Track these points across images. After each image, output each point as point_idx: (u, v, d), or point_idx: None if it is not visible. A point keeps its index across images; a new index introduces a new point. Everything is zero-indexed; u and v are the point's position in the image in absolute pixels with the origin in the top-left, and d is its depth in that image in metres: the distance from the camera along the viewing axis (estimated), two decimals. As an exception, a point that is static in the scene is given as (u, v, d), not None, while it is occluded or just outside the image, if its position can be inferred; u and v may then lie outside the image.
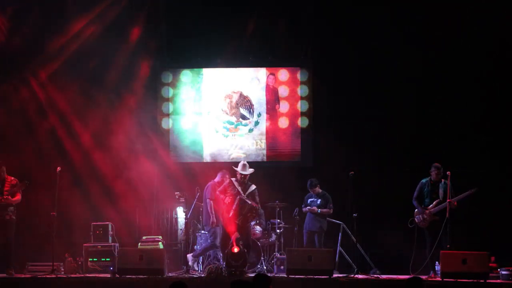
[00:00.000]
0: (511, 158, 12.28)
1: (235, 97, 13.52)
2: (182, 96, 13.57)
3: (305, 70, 13.47)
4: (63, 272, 10.75)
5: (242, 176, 10.67)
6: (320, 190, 11.69)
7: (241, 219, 10.49)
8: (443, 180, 10.41)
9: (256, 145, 13.44)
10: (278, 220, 11.61)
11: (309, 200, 11.71)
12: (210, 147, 13.47)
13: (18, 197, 10.59)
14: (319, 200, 11.61)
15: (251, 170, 10.78)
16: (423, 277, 10.06)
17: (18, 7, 12.35)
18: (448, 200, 10.17)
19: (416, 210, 10.59)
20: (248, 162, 10.98)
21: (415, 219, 10.56)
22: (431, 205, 10.43)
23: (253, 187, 10.76)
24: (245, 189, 10.66)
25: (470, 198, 10.33)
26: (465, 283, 9.44)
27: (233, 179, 10.79)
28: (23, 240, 11.66)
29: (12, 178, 10.66)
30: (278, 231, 11.53)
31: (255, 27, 13.04)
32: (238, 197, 10.52)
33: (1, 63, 12.49)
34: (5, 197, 10.47)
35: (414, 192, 10.72)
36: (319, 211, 11.51)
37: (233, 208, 10.46)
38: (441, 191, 10.38)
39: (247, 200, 10.53)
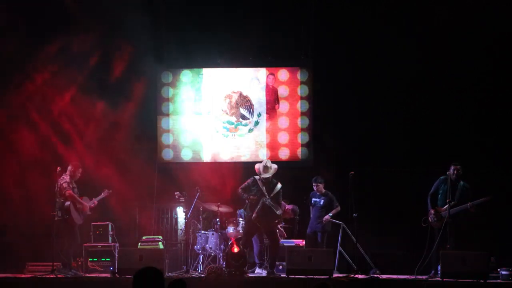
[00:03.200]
0: (511, 158, 12.28)
1: (235, 97, 13.53)
2: (182, 96, 13.57)
3: (305, 70, 13.47)
4: (63, 272, 10.75)
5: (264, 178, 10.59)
6: (324, 190, 11.66)
7: (264, 225, 10.41)
8: (461, 181, 10.31)
9: (256, 145, 13.44)
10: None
11: (313, 200, 11.68)
12: (210, 147, 13.47)
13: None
14: (322, 200, 11.58)
15: (273, 169, 10.61)
16: (424, 277, 10.07)
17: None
18: (448, 201, 10.15)
19: (429, 210, 10.49)
20: (248, 162, 10.93)
21: (429, 218, 10.46)
22: (445, 207, 10.30)
23: (279, 186, 10.60)
24: (269, 189, 10.53)
25: (485, 205, 10.24)
26: (465, 283, 9.43)
27: (256, 177, 10.66)
28: (23, 240, 11.69)
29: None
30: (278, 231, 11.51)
31: (255, 27, 13.03)
32: (262, 200, 10.38)
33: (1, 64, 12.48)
34: (95, 200, 10.97)
35: (431, 188, 10.61)
36: (331, 215, 11.47)
37: (256, 211, 10.33)
38: (457, 194, 10.26)
39: (272, 207, 10.35)
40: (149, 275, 4.64)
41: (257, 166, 10.75)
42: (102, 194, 11.07)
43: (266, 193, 10.44)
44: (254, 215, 10.30)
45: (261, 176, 10.58)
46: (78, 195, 10.77)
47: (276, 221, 10.47)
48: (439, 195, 10.48)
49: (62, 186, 10.60)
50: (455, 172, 10.31)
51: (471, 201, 10.16)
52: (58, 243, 10.57)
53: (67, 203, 10.56)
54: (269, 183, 10.56)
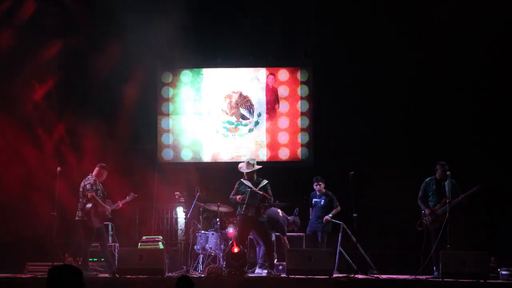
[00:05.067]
0: (511, 158, 12.28)
1: (235, 97, 13.53)
2: (182, 96, 13.58)
3: (305, 70, 13.48)
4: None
5: (245, 174, 10.63)
6: (324, 190, 11.66)
7: (253, 211, 10.30)
8: (448, 179, 10.34)
9: (256, 145, 13.44)
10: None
11: (314, 200, 11.68)
12: (210, 147, 13.48)
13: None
14: (323, 200, 11.57)
15: (256, 167, 10.60)
16: (424, 277, 10.06)
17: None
18: (448, 200, 10.15)
19: (423, 212, 10.50)
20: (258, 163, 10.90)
21: (424, 220, 10.47)
22: (437, 206, 10.34)
23: (265, 181, 10.60)
24: (255, 184, 10.53)
25: (478, 193, 10.23)
26: (465, 283, 9.43)
27: (241, 179, 10.67)
28: (23, 240, 11.69)
29: None
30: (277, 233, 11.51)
31: (255, 27, 13.04)
32: (249, 189, 10.37)
33: (6, 66, 12.45)
34: (120, 203, 10.81)
35: (419, 192, 10.64)
36: (331, 215, 11.47)
37: (245, 202, 10.30)
38: (447, 190, 10.26)
39: (258, 191, 10.36)
40: (64, 274, 4.41)
41: (240, 164, 10.81)
42: (128, 197, 10.89)
43: (253, 187, 10.46)
44: (243, 207, 10.31)
45: (242, 170, 10.61)
46: (103, 197, 10.66)
47: (266, 202, 10.39)
48: (430, 196, 10.50)
49: (86, 187, 10.50)
50: (442, 170, 10.33)
51: (456, 196, 10.18)
52: (74, 243, 10.69)
53: (89, 205, 10.45)
54: (254, 180, 10.56)
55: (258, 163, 10.92)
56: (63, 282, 4.37)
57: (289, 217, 11.54)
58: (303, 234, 11.62)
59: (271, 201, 10.68)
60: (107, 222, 11.70)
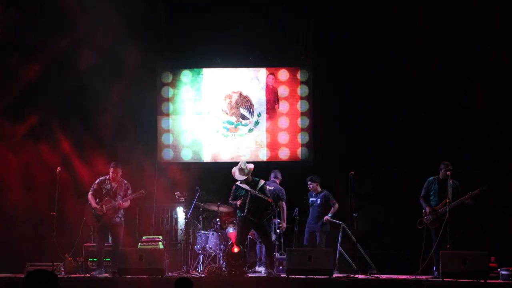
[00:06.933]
0: (511, 158, 12.28)
1: (235, 97, 13.54)
2: (182, 96, 13.59)
3: (305, 70, 13.48)
4: (63, 272, 10.74)
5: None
6: (320, 189, 11.67)
7: (255, 216, 10.21)
8: (451, 179, 10.32)
9: (256, 145, 13.45)
10: (278, 220, 11.59)
11: (310, 199, 11.69)
12: (210, 147, 13.48)
13: (128, 202, 10.88)
14: (319, 199, 11.59)
15: (249, 169, 10.48)
16: (424, 277, 10.06)
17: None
18: (447, 200, 10.15)
19: (424, 210, 10.50)
20: (248, 162, 10.84)
21: (424, 219, 10.48)
22: (439, 205, 10.35)
23: (262, 182, 10.57)
24: (253, 186, 10.45)
25: (481, 195, 10.22)
26: (465, 283, 9.43)
27: (237, 183, 10.59)
28: (24, 240, 11.68)
29: (125, 181, 10.90)
30: (278, 231, 11.51)
31: (255, 27, 13.04)
32: (249, 193, 10.28)
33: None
34: (119, 202, 10.72)
35: (422, 190, 10.63)
36: (330, 215, 11.48)
37: (246, 206, 10.20)
38: (450, 191, 10.25)
39: (261, 195, 10.28)
40: (40, 279, 4.52)
41: (233, 169, 10.69)
42: (135, 194, 10.92)
43: (251, 190, 10.41)
44: (245, 211, 10.25)
45: (235, 177, 10.55)
46: (111, 196, 10.68)
47: (269, 210, 10.34)
48: (431, 196, 10.49)
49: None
50: (445, 170, 10.32)
51: (464, 195, 10.16)
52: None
53: (87, 203, 10.73)
54: (250, 182, 10.49)
55: (258, 163, 10.89)
56: (39, 287, 4.46)
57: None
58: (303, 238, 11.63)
59: (274, 207, 10.54)
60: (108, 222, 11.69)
